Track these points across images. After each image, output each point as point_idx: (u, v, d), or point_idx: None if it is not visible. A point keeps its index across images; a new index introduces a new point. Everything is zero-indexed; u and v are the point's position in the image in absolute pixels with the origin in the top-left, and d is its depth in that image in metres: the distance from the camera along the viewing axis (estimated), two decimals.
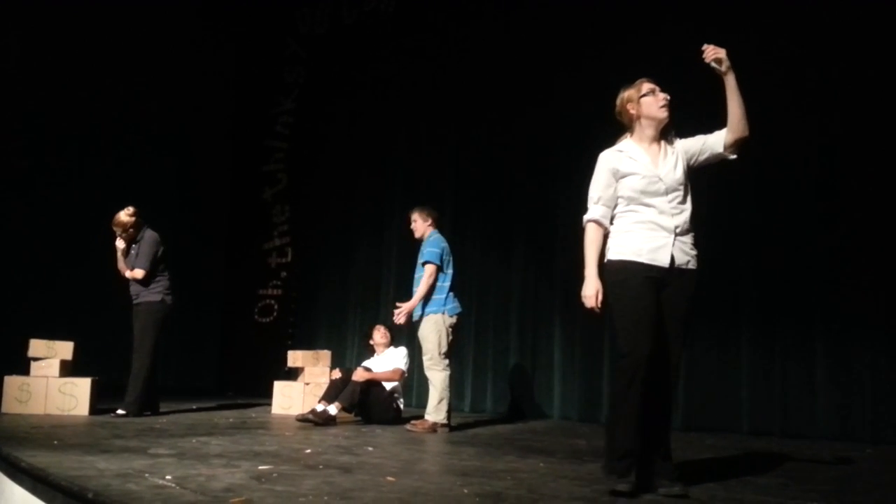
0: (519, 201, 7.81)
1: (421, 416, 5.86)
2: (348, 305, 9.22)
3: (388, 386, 6.36)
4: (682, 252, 3.23)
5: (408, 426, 5.78)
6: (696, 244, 3.29)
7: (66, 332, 6.39)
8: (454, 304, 5.90)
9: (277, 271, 10.13)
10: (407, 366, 6.55)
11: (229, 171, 10.78)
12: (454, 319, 5.88)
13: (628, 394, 3.08)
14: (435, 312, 5.82)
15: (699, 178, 3.43)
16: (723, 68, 3.20)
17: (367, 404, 6.21)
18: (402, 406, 6.49)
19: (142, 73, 9.48)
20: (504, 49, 8.06)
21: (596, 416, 6.93)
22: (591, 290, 3.22)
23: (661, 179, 3.23)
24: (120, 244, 6.29)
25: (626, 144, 3.35)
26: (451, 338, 5.86)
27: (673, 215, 3.22)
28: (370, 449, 4.50)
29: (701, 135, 3.37)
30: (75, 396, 6.13)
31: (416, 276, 6.00)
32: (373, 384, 6.24)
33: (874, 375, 5.82)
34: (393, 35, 9.20)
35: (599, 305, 3.22)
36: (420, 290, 5.85)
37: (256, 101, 10.62)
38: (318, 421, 5.85)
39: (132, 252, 6.26)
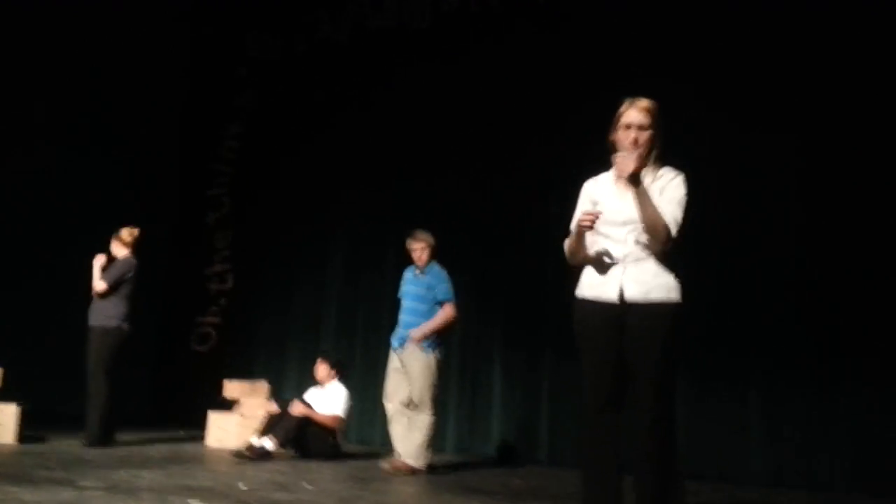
0: (465, 235, 7.82)
1: (379, 455, 5.69)
2: (288, 337, 9.07)
3: None
4: (638, 282, 2.98)
5: (384, 465, 5.57)
6: (666, 271, 3.00)
7: None
8: (443, 346, 5.73)
9: (217, 298, 9.92)
10: (346, 412, 6.47)
11: (175, 193, 10.56)
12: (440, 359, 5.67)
13: (586, 442, 3.07)
14: (426, 352, 5.58)
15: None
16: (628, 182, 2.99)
17: (304, 439, 6.14)
18: (339, 443, 6.42)
19: (86, 87, 9.25)
20: (454, 83, 8.13)
21: (534, 455, 6.99)
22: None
23: (621, 210, 3.05)
24: (99, 261, 6.27)
25: (608, 173, 3.20)
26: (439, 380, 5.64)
27: (627, 243, 3.03)
28: (307, 486, 4.45)
29: (669, 192, 3.06)
30: (1, 423, 5.92)
31: (409, 305, 5.70)
32: (310, 419, 6.17)
33: (808, 420, 6.02)
34: (344, 65, 9.22)
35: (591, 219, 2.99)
36: (435, 323, 5.59)
37: (205, 124, 10.44)
38: (253, 457, 5.74)
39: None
